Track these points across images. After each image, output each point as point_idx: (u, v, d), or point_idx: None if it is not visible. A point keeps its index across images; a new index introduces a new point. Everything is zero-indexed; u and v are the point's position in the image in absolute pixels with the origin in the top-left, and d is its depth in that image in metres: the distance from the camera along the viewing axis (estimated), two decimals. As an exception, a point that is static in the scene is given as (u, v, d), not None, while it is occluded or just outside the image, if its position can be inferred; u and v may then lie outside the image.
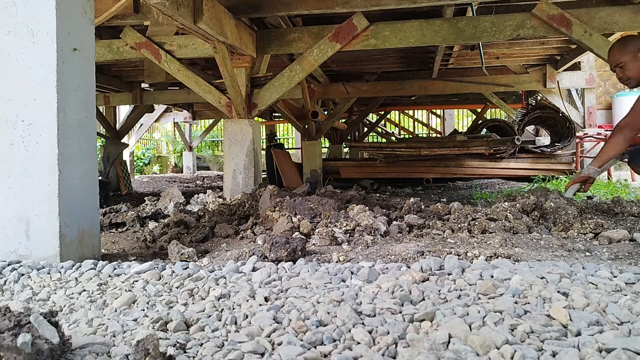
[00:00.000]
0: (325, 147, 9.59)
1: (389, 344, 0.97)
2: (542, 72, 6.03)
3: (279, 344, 0.99)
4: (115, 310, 1.28)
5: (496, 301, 1.17)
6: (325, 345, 0.99)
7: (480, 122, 8.89)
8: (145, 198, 3.41)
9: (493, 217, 2.30)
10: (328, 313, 1.14)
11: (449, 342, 0.96)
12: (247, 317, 1.16)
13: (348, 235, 2.17)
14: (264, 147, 8.01)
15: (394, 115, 14.07)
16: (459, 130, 10.70)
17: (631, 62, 2.87)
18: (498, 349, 0.92)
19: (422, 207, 2.72)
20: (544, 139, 7.83)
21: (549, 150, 6.27)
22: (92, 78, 1.94)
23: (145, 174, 12.33)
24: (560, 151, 6.20)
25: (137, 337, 1.04)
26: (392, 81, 6.23)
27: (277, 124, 14.43)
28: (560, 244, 1.92)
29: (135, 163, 11.19)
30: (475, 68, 6.07)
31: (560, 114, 6.50)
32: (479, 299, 1.23)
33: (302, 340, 1.01)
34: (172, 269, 1.64)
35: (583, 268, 1.48)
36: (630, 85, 2.99)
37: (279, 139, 13.97)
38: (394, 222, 2.42)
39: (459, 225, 2.24)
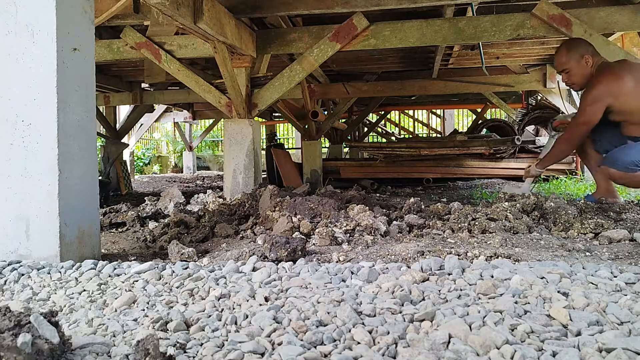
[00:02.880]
0: (325, 147, 9.60)
1: (389, 343, 0.97)
2: (542, 72, 6.03)
3: (279, 344, 0.99)
4: (115, 310, 1.28)
5: (496, 301, 1.17)
6: (325, 345, 0.99)
7: (480, 122, 8.89)
8: (145, 198, 3.41)
9: (493, 217, 2.30)
10: (328, 313, 1.14)
11: (449, 342, 0.96)
12: (247, 317, 1.16)
13: (348, 235, 2.17)
14: (264, 147, 8.01)
15: (394, 115, 14.07)
16: (459, 130, 10.70)
17: (576, 67, 2.98)
18: (498, 349, 0.92)
19: (422, 207, 2.72)
20: (544, 139, 7.82)
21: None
22: (92, 78, 1.94)
23: (145, 174, 12.33)
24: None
25: (137, 337, 1.04)
26: (392, 81, 6.23)
27: (277, 124, 14.44)
28: (560, 244, 1.92)
29: (135, 163, 11.19)
30: (476, 68, 6.06)
31: (561, 114, 6.49)
32: (479, 299, 1.23)
33: (302, 340, 1.01)
34: (172, 269, 1.64)
35: (583, 268, 1.48)
36: (575, 89, 3.12)
37: (279, 139, 13.98)
38: (394, 222, 2.42)
39: (459, 225, 2.24)
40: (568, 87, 3.12)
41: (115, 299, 1.35)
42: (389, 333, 1.02)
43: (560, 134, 3.34)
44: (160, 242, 2.36)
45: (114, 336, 1.10)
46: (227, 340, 1.03)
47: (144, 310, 1.27)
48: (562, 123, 3.48)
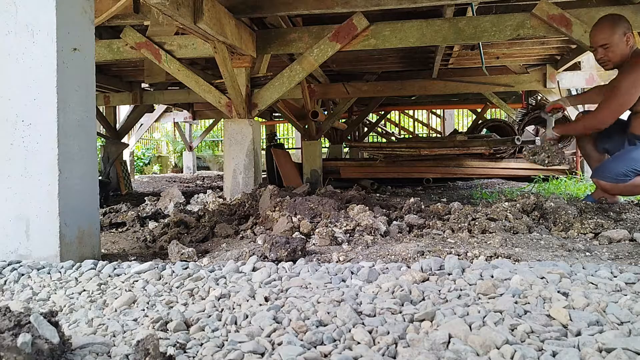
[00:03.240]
0: (325, 147, 9.60)
1: (389, 343, 0.97)
2: (542, 72, 6.03)
3: (279, 344, 0.99)
4: (115, 310, 1.28)
5: (496, 301, 1.17)
6: (325, 345, 0.99)
7: (480, 122, 8.89)
8: (145, 198, 3.41)
9: (493, 217, 2.30)
10: (328, 313, 1.14)
11: (449, 342, 0.96)
12: (247, 317, 1.16)
13: (348, 235, 2.17)
14: (264, 147, 8.01)
15: (394, 115, 14.08)
16: (459, 130, 10.70)
17: (617, 44, 2.86)
18: (498, 348, 0.92)
19: (422, 207, 2.72)
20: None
21: (548, 150, 6.26)
22: (92, 78, 1.94)
23: (145, 174, 12.33)
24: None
25: (137, 337, 1.04)
26: (392, 81, 6.23)
27: (277, 124, 14.44)
28: (560, 244, 1.92)
29: (135, 163, 11.19)
30: (475, 68, 6.07)
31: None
32: (479, 299, 1.23)
33: (302, 340, 1.01)
34: (172, 269, 1.64)
35: (583, 268, 1.48)
36: (607, 67, 3.01)
37: (279, 139, 13.98)
38: (394, 222, 2.42)
39: (459, 225, 2.24)
40: (602, 64, 2.98)
41: (115, 299, 1.35)
42: (389, 333, 1.02)
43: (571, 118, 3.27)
44: (160, 242, 2.36)
45: (114, 336, 1.10)
46: (227, 340, 1.03)
47: (144, 310, 1.27)
48: (554, 107, 3.41)
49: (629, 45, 2.85)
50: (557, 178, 5.59)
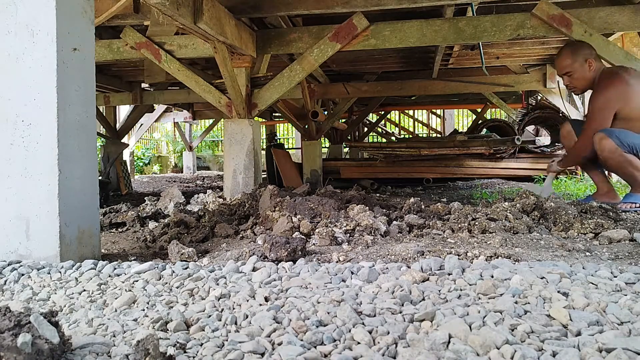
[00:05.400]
0: (325, 147, 9.59)
1: (389, 343, 0.97)
2: (542, 72, 6.03)
3: (279, 344, 0.99)
4: (115, 310, 1.28)
5: (496, 301, 1.17)
6: (325, 345, 0.99)
7: (480, 122, 8.89)
8: (145, 198, 3.41)
9: (493, 217, 2.30)
10: (328, 313, 1.14)
11: (449, 342, 0.96)
12: (247, 317, 1.16)
13: (348, 235, 2.17)
14: (264, 147, 8.00)
15: (394, 115, 14.08)
16: (459, 130, 10.70)
17: (579, 71, 3.00)
18: (498, 349, 0.92)
19: (422, 207, 2.72)
20: (544, 139, 7.82)
21: (549, 150, 6.27)
22: (92, 78, 1.94)
23: (145, 174, 12.33)
24: (560, 151, 6.20)
25: (137, 337, 1.04)
26: (392, 81, 6.23)
27: (277, 124, 14.44)
28: (561, 244, 1.92)
29: (135, 163, 11.19)
30: (476, 68, 6.07)
31: (561, 114, 6.49)
32: (479, 299, 1.23)
33: (302, 340, 1.01)
34: (172, 269, 1.64)
35: (583, 268, 1.48)
36: (576, 93, 3.15)
37: (279, 139, 13.98)
38: (394, 222, 2.42)
39: (459, 225, 2.24)
40: (570, 90, 3.13)
41: (115, 299, 1.35)
42: (389, 333, 1.02)
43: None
44: (160, 242, 2.36)
45: (114, 336, 1.10)
46: (227, 340, 1.03)
47: (144, 310, 1.27)
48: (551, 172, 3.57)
49: (593, 70, 2.95)
50: (557, 178, 5.59)
